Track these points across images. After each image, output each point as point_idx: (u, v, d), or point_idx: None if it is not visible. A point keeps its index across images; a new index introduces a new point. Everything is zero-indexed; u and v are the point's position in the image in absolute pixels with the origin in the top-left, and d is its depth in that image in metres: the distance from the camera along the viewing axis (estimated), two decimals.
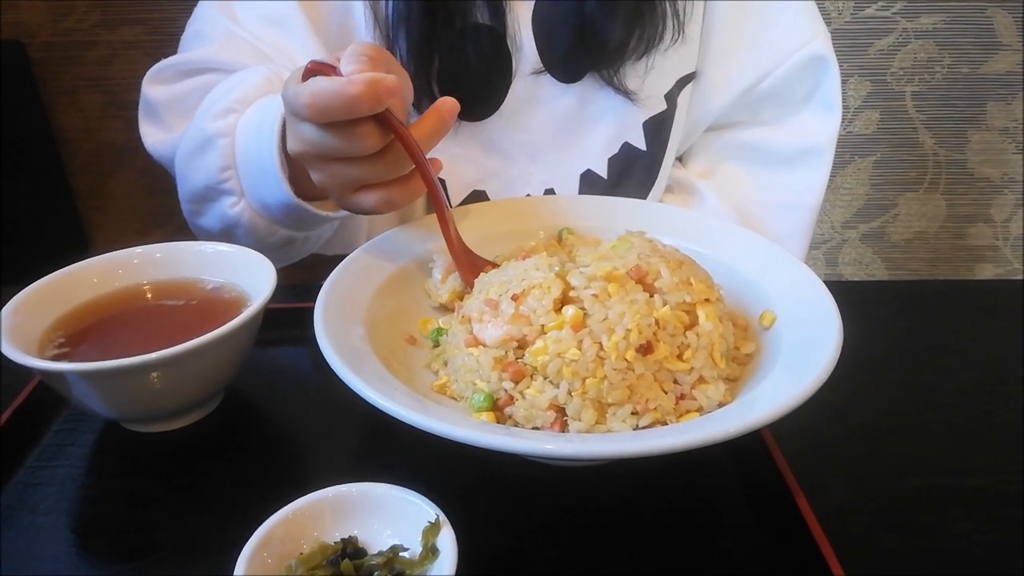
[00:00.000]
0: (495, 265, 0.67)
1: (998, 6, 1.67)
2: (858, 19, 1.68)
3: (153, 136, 0.91)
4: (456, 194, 0.94)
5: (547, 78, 0.91)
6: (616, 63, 0.89)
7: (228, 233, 0.80)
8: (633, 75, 0.90)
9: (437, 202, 0.67)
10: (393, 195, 0.64)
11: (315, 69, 0.60)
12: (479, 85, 0.89)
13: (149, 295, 0.70)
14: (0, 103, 1.52)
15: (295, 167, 0.72)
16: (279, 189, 0.72)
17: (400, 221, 0.96)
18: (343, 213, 0.76)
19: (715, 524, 0.56)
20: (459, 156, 0.92)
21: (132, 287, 0.70)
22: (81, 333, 0.65)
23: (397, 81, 0.58)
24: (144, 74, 0.92)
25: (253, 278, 0.67)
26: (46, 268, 0.67)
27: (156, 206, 1.78)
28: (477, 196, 0.94)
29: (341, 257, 0.67)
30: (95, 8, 1.60)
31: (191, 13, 0.94)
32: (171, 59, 0.90)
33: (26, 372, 0.59)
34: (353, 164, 0.62)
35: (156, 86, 0.91)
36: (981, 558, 0.53)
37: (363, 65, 0.58)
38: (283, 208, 0.74)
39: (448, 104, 0.64)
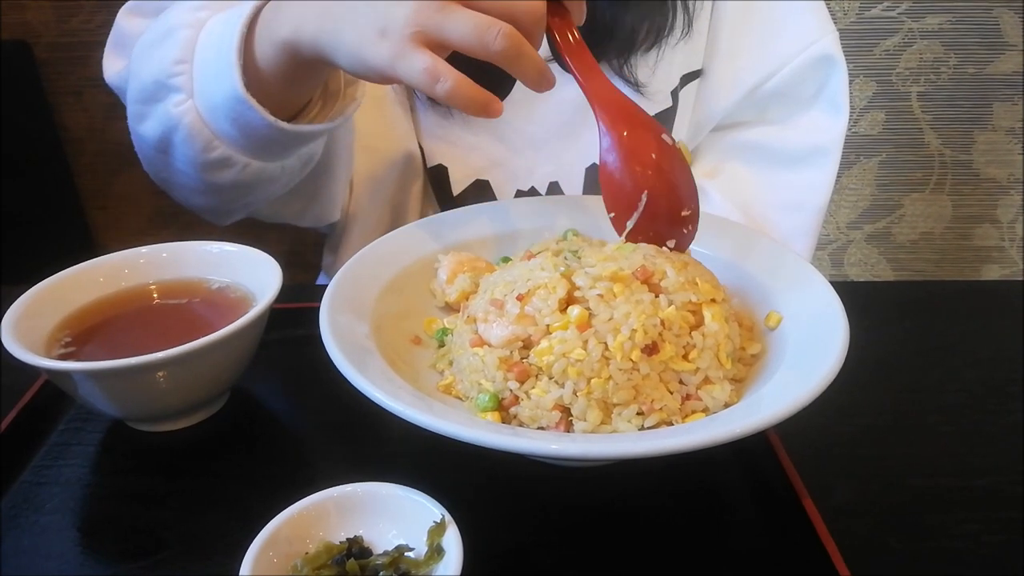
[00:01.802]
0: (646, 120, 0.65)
1: (1004, 6, 1.66)
2: (864, 19, 1.68)
3: (117, 65, 0.86)
4: (459, 182, 0.93)
5: (555, 67, 0.90)
6: (626, 53, 0.88)
7: (166, 140, 0.75)
8: (643, 66, 0.90)
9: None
10: (453, 77, 0.57)
11: None
12: (487, 72, 0.88)
13: (155, 295, 0.70)
14: (6, 103, 1.52)
15: (253, 67, 0.68)
16: (230, 80, 0.67)
17: (392, 220, 0.96)
18: (298, 129, 0.71)
19: (721, 524, 0.56)
20: (466, 144, 0.91)
21: (138, 287, 0.70)
22: (87, 332, 0.65)
23: None
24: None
25: (259, 278, 0.67)
26: (52, 268, 0.68)
27: (162, 206, 1.78)
28: (480, 185, 0.93)
29: (336, 252, 0.66)
30: (101, 8, 1.60)
31: None
32: None
33: (33, 371, 0.59)
34: (479, 12, 0.57)
35: (132, 18, 0.86)
36: (987, 559, 0.53)
37: None
38: (231, 107, 0.69)
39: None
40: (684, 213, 0.62)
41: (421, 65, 0.57)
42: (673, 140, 0.63)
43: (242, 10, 0.68)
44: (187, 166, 0.77)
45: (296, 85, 0.72)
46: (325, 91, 0.77)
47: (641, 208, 0.61)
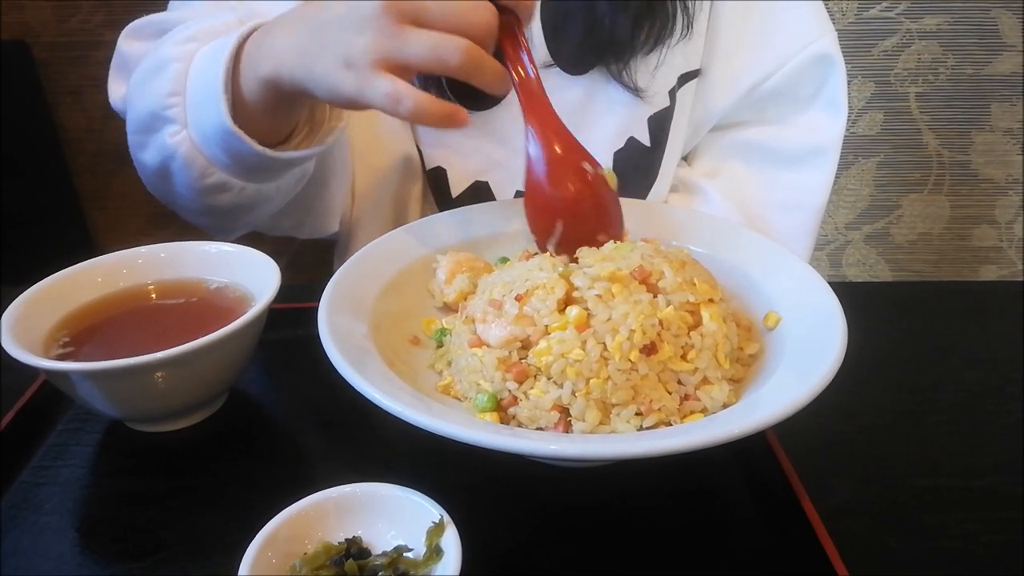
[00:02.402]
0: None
1: (1003, 7, 1.67)
2: (862, 20, 1.68)
3: (121, 90, 0.88)
4: (458, 184, 0.93)
5: (555, 70, 0.90)
6: (625, 57, 0.89)
7: (165, 168, 0.78)
8: (643, 70, 0.90)
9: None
10: (413, 96, 0.59)
11: None
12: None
13: (153, 295, 0.70)
14: (5, 103, 1.52)
15: (239, 99, 0.70)
16: (217, 112, 0.70)
17: (395, 224, 0.96)
18: (286, 155, 0.74)
19: (720, 525, 0.56)
20: (464, 146, 0.92)
21: (136, 287, 0.70)
22: (86, 333, 0.65)
23: None
24: None
25: (257, 278, 0.67)
26: (51, 268, 0.68)
27: (160, 207, 1.77)
28: (479, 187, 0.93)
29: (343, 258, 0.67)
30: (99, 8, 1.60)
31: None
32: (152, 16, 0.89)
33: (31, 372, 0.59)
34: (436, 32, 0.59)
35: (132, 42, 0.89)
36: (986, 559, 0.53)
37: None
38: (220, 137, 0.72)
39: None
40: (599, 238, 0.65)
41: (383, 90, 0.60)
42: (595, 167, 0.66)
43: (226, 44, 0.71)
44: (186, 191, 0.79)
45: (281, 114, 0.74)
46: (312, 119, 0.79)
47: (557, 235, 0.66)
